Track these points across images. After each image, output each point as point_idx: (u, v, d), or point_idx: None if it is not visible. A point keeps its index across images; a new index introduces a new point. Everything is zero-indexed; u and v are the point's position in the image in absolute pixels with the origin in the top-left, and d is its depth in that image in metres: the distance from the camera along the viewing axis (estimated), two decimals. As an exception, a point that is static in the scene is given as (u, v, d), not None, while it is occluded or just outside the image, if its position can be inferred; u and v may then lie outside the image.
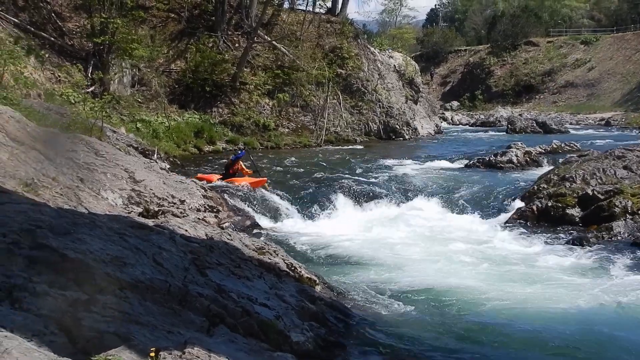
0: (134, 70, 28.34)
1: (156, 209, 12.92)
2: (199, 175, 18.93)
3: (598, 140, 33.57)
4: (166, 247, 7.22)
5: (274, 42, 33.07)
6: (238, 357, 5.44)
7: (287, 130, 31.59)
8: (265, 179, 18.26)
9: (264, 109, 31.32)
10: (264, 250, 9.26)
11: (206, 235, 8.87)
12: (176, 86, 30.23)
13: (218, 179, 18.32)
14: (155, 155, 20.15)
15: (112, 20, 24.69)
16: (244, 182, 17.79)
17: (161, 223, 8.84)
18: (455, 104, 70.85)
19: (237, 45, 33.19)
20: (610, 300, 10.38)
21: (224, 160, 21.70)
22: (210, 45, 31.87)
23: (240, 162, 18.67)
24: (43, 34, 25.74)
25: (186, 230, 8.71)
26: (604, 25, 77.58)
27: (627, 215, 15.04)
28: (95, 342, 4.75)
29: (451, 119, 55.91)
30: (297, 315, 7.71)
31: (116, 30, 25.13)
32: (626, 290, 10.85)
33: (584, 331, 8.91)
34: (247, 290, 7.42)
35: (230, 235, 9.28)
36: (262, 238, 13.38)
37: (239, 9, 34.33)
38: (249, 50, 31.42)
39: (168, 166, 19.95)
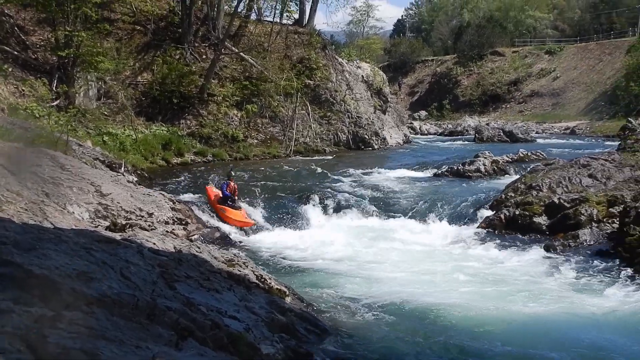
0: (100, 83, 28.05)
1: (124, 222, 12.77)
2: (208, 187, 18.71)
3: (564, 149, 33.99)
4: (134, 261, 7.13)
5: (241, 53, 32.98)
6: (208, 371, 5.37)
7: (256, 141, 31.49)
8: (253, 222, 17.27)
9: (233, 120, 31.19)
10: (234, 262, 9.20)
11: (175, 248, 8.78)
12: (143, 98, 29.97)
13: (218, 200, 17.57)
14: (123, 168, 19.94)
15: (77, 33, 24.44)
16: (233, 219, 16.92)
17: (129, 237, 8.74)
18: (423, 113, 71.34)
19: (204, 57, 33.04)
20: (577, 305, 10.51)
21: (191, 174, 21.63)
22: (177, 57, 31.70)
23: (233, 182, 18.12)
24: (6, 47, 25.40)
25: (154, 244, 8.62)
26: (567, 35, 78.83)
27: (593, 223, 15.24)
28: (62, 359, 4.66)
29: (419, 129, 56.22)
30: (267, 327, 7.65)
31: (81, 44, 24.88)
32: (593, 297, 11.00)
33: (551, 335, 9.01)
34: (216, 303, 7.35)
35: (199, 247, 9.20)
36: (231, 250, 13.34)
37: (206, 21, 34.23)
38: (216, 62, 31.30)
39: (135, 179, 19.74)
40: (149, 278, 6.93)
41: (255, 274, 9.05)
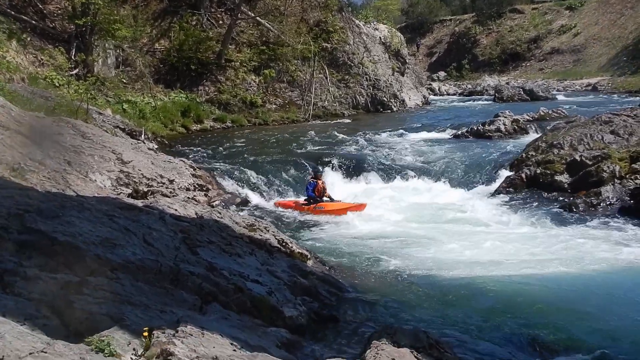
0: (118, 51, 28.03)
1: (145, 189, 12.89)
2: (279, 201, 16.32)
3: (585, 107, 33.61)
4: (156, 227, 7.21)
5: (257, 17, 32.73)
6: (231, 333, 5.46)
7: (274, 106, 31.43)
8: (365, 203, 15.35)
9: (251, 86, 31.13)
10: (255, 227, 9.27)
11: (196, 214, 8.86)
12: (161, 66, 29.98)
13: (302, 204, 15.75)
14: (143, 135, 20.03)
15: (94, 1, 24.36)
16: (340, 210, 15.22)
17: (150, 203, 8.83)
18: (442, 74, 70.56)
19: (220, 22, 32.87)
20: (602, 262, 10.49)
21: (211, 140, 21.66)
22: (194, 23, 31.54)
23: (322, 182, 16.21)
24: (24, 17, 25.38)
25: (176, 210, 8.70)
26: (589, -10, 77.37)
27: (615, 180, 15.13)
28: (88, 324, 4.76)
29: (438, 90, 55.73)
30: (290, 290, 7.74)
31: (98, 11, 24.80)
32: (616, 254, 10.97)
33: (573, 294, 9.02)
34: (239, 268, 7.44)
35: (220, 213, 9.28)
36: (253, 215, 13.42)
37: (222, -14, 34.02)
38: (233, 27, 31.16)
39: (156, 146, 19.85)
40: (171, 244, 7.02)
41: (276, 238, 9.13)
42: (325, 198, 15.76)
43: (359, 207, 15.10)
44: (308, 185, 15.86)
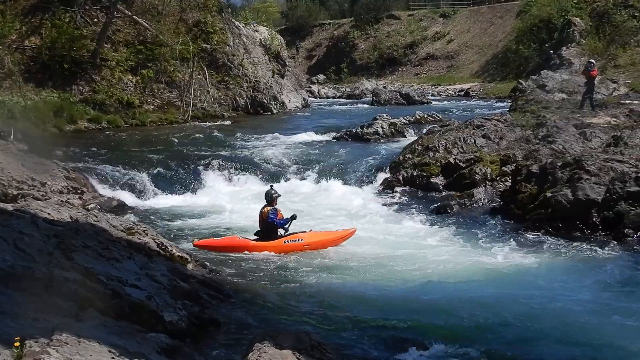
0: (-16, 48, 26.64)
1: (15, 192, 12.33)
2: (200, 242, 11.92)
3: (458, 111, 34.92)
4: (28, 232, 6.89)
5: (134, 16, 31.92)
6: (109, 340, 5.29)
7: (152, 107, 30.73)
8: (355, 228, 12.71)
9: (128, 86, 30.29)
10: (133, 231, 9.04)
11: (71, 217, 8.53)
12: (32, 64, 28.59)
13: (255, 240, 12.17)
14: (12, 136, 19.10)
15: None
16: (335, 241, 12.33)
17: (21, 207, 8.42)
18: (321, 77, 71.33)
19: (95, 20, 31.69)
20: (468, 262, 10.93)
21: (86, 141, 20.95)
22: (67, 20, 30.25)
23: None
24: None
25: (49, 214, 8.34)
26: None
27: (487, 182, 15.85)
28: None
29: (318, 92, 56.26)
30: (170, 294, 7.59)
31: (-39, 6, 23.53)
32: (484, 253, 11.47)
33: (439, 293, 9.34)
34: (117, 272, 7.22)
35: (96, 216, 8.97)
36: (131, 218, 13.08)
37: (96, -18, 32.90)
38: (108, 26, 30.19)
39: (26, 147, 19.00)
40: (44, 249, 6.72)
41: (155, 242, 8.93)
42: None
43: (352, 233, 12.52)
44: (271, 215, 12.10)
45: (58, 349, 4.51)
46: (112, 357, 4.88)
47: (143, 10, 33.05)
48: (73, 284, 6.25)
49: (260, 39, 39.74)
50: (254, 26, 41.18)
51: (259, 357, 5.14)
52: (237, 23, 38.69)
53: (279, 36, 44.07)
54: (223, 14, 37.00)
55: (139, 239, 8.72)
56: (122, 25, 32.10)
